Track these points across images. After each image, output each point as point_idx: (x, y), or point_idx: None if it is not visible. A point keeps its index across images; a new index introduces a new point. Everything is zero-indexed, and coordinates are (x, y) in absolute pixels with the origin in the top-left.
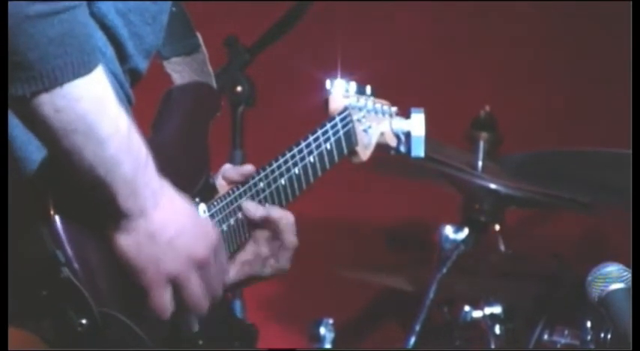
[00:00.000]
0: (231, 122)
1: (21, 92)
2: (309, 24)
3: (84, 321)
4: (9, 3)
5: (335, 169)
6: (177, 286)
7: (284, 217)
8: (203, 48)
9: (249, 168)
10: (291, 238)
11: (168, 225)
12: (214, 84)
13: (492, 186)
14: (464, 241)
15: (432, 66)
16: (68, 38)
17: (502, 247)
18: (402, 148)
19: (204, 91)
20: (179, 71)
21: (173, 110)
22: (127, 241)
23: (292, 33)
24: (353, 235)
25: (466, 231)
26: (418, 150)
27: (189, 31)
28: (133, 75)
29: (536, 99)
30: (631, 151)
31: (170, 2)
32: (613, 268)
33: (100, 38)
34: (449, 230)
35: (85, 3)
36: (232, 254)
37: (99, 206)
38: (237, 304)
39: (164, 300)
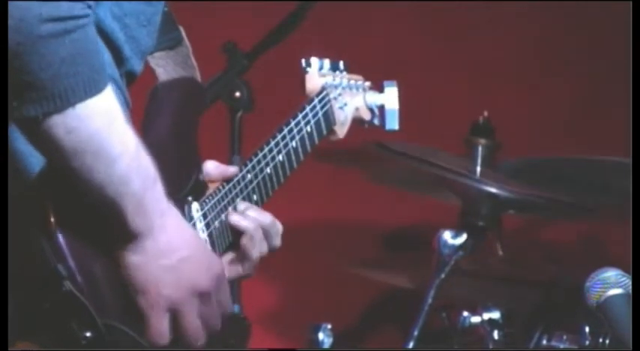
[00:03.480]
0: (230, 128)
1: (33, 113)
2: (309, 28)
3: (88, 334)
4: (20, 22)
5: (333, 170)
6: (176, 313)
7: (254, 232)
8: (186, 41)
9: (233, 171)
10: (251, 252)
11: (174, 249)
12: (199, 77)
13: (491, 191)
14: (462, 246)
15: (429, 71)
16: (79, 57)
17: (500, 253)
18: (376, 122)
19: (190, 86)
20: (163, 66)
21: (161, 108)
22: (131, 261)
23: (291, 37)
24: (351, 241)
25: (464, 236)
26: (392, 123)
27: (171, 25)
28: (129, 77)
29: (534, 105)
30: (631, 158)
31: (163, 3)
32: (611, 274)
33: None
34: (447, 235)
35: (92, 21)
36: (224, 251)
37: (105, 224)
38: (236, 309)
39: (162, 325)
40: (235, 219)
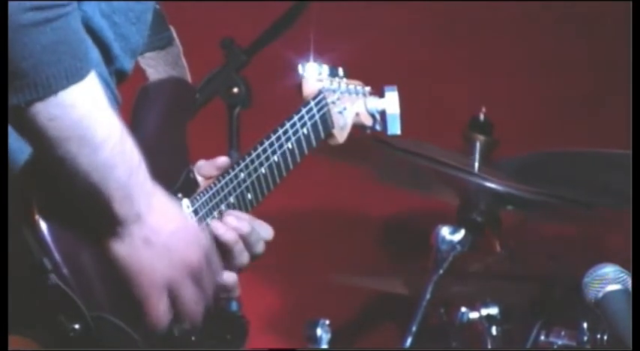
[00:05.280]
0: (228, 123)
1: (15, 102)
2: (307, 24)
3: (76, 326)
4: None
5: (331, 170)
6: (172, 293)
7: (234, 245)
8: (177, 41)
9: (223, 160)
10: (238, 261)
11: (162, 229)
12: (189, 77)
13: (489, 186)
14: (460, 242)
15: (427, 68)
16: (61, 45)
17: (498, 248)
18: (378, 127)
19: (180, 86)
20: (153, 66)
21: (150, 107)
22: (121, 247)
23: (289, 33)
24: (349, 237)
25: (462, 232)
26: (394, 128)
27: (162, 25)
28: (119, 75)
29: (532, 101)
30: (630, 152)
31: (153, 1)
32: (609, 270)
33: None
34: (445, 231)
35: (76, 9)
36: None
37: (91, 212)
38: (233, 305)
39: (161, 307)
40: (219, 231)
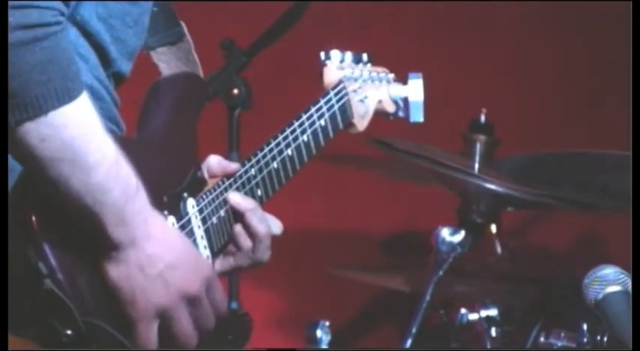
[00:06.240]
0: (228, 125)
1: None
2: (307, 25)
3: (69, 332)
4: None
5: (332, 169)
6: (166, 319)
7: (249, 208)
8: (188, 37)
9: (233, 168)
10: (260, 227)
11: (160, 257)
12: (201, 73)
13: (489, 187)
14: (460, 243)
15: (427, 67)
16: (51, 65)
17: (498, 250)
18: (401, 114)
19: (191, 82)
20: (165, 61)
21: (160, 103)
22: (117, 271)
23: (289, 35)
24: (349, 237)
25: (462, 233)
26: (417, 115)
27: (173, 21)
28: (117, 78)
29: (532, 101)
30: (630, 153)
31: (151, 3)
32: (609, 271)
33: (83, 45)
34: (445, 232)
35: (66, 29)
36: (223, 246)
37: (87, 232)
38: (233, 306)
39: (151, 333)
40: (236, 200)
